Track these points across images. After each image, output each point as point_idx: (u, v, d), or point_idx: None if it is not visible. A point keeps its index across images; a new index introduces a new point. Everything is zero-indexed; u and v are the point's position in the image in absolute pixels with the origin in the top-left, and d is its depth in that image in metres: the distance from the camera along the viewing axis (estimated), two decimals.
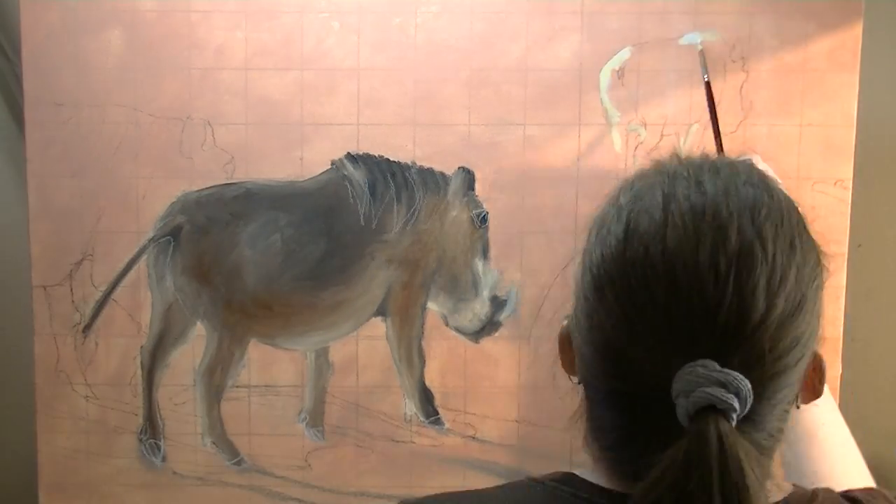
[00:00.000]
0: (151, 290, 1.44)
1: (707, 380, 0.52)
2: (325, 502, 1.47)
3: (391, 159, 1.43)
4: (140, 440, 1.46)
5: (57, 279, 1.43)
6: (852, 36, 1.40)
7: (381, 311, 1.46)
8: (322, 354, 1.47)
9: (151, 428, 1.46)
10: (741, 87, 1.42)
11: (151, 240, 1.43)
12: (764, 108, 1.42)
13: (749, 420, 0.54)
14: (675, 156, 0.64)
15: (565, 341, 0.66)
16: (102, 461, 1.47)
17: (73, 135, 1.41)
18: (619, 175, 1.44)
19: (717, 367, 0.52)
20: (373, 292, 1.45)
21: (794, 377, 0.58)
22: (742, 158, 0.79)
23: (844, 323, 1.44)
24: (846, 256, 1.43)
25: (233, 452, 1.47)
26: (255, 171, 1.43)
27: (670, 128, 1.43)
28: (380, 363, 1.46)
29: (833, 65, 1.41)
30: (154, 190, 1.42)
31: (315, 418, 1.47)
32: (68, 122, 1.41)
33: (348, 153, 1.43)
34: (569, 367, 0.67)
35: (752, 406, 0.53)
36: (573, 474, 0.63)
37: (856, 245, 1.47)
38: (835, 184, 1.43)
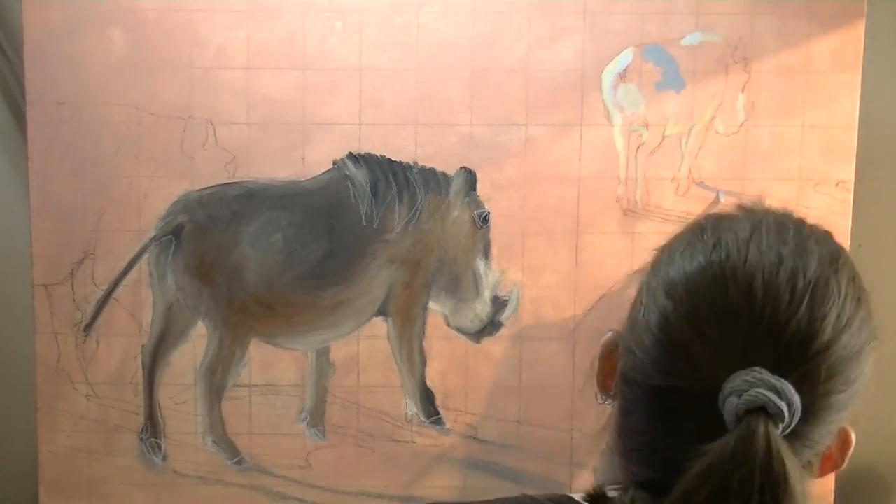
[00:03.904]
0: (153, 290, 1.44)
1: (762, 383, 0.53)
2: (326, 502, 1.47)
3: (393, 159, 1.43)
4: (141, 439, 1.46)
5: (58, 278, 1.43)
6: (854, 37, 1.40)
7: (382, 311, 1.46)
8: (323, 354, 1.47)
9: (152, 427, 1.46)
10: (743, 87, 1.42)
11: (153, 239, 1.43)
12: (766, 110, 1.42)
13: (793, 438, 0.55)
14: (760, 201, 0.66)
15: (611, 349, 0.67)
16: (103, 460, 1.47)
17: (74, 134, 1.41)
18: (620, 176, 1.44)
19: (774, 376, 0.54)
20: (374, 292, 1.45)
21: (830, 427, 0.58)
22: None
23: None
24: None
25: (233, 452, 1.47)
26: (257, 171, 1.43)
27: (671, 128, 1.43)
28: (381, 363, 1.46)
29: (835, 66, 1.41)
30: (155, 189, 1.42)
31: (316, 418, 1.47)
32: (70, 121, 1.41)
33: (350, 153, 1.43)
34: (605, 377, 0.67)
35: (796, 428, 0.54)
36: (571, 498, 0.63)
37: (856, 245, 1.47)
38: (836, 185, 1.43)
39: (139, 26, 1.40)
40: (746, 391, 0.53)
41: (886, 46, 1.54)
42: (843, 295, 0.58)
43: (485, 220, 1.44)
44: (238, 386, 1.46)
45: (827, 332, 0.56)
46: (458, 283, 1.46)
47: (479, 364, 1.46)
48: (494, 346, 1.46)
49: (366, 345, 1.46)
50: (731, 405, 0.53)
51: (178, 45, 1.40)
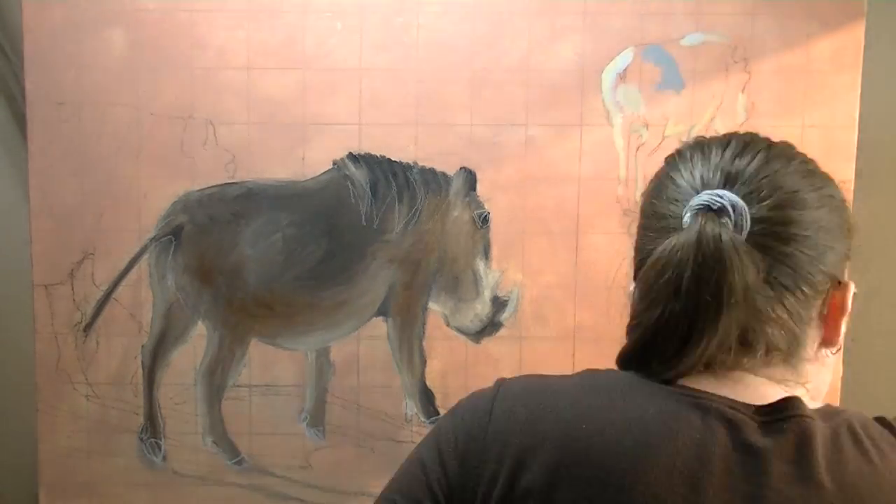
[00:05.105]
0: (153, 290, 1.44)
1: (707, 195, 0.67)
2: (326, 502, 1.47)
3: (393, 159, 1.43)
4: (141, 439, 1.46)
5: (58, 278, 1.43)
6: (854, 37, 1.40)
7: (382, 311, 1.46)
8: (323, 354, 1.47)
9: (152, 427, 1.46)
10: (743, 87, 1.42)
11: (153, 239, 1.43)
12: (766, 109, 1.42)
13: (765, 252, 0.66)
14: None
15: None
16: (103, 460, 1.47)
17: (74, 134, 1.41)
18: (620, 176, 1.44)
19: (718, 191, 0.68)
20: (374, 292, 1.45)
21: (807, 256, 0.67)
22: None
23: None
24: None
25: (233, 452, 1.47)
26: (257, 171, 1.43)
27: (671, 128, 1.43)
28: (381, 363, 1.46)
29: (835, 66, 1.41)
30: (156, 189, 1.42)
31: (316, 418, 1.47)
32: (70, 121, 1.41)
33: (350, 153, 1.43)
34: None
35: (764, 243, 0.66)
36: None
37: (856, 245, 1.47)
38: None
39: (139, 26, 1.40)
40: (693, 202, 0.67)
41: (886, 46, 1.54)
42: (793, 159, 0.71)
43: (485, 220, 1.44)
44: (238, 386, 1.46)
45: (771, 166, 0.69)
46: (458, 284, 1.46)
47: (479, 364, 1.46)
48: (494, 346, 1.46)
49: (366, 345, 1.46)
50: (685, 215, 0.67)
51: (179, 45, 1.40)
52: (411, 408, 1.47)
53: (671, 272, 0.66)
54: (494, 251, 1.45)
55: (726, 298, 0.65)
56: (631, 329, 0.72)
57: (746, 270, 0.65)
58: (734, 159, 0.70)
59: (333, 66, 1.41)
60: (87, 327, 1.44)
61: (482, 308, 1.46)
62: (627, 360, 0.72)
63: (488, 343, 1.46)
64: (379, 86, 1.41)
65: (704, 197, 0.67)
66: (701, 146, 0.73)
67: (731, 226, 0.66)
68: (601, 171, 1.43)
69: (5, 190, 1.58)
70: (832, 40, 1.41)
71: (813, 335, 0.70)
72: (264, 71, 1.41)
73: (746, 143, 0.71)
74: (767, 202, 0.67)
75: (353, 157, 1.43)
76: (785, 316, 0.67)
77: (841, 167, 1.43)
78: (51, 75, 1.40)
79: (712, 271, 0.65)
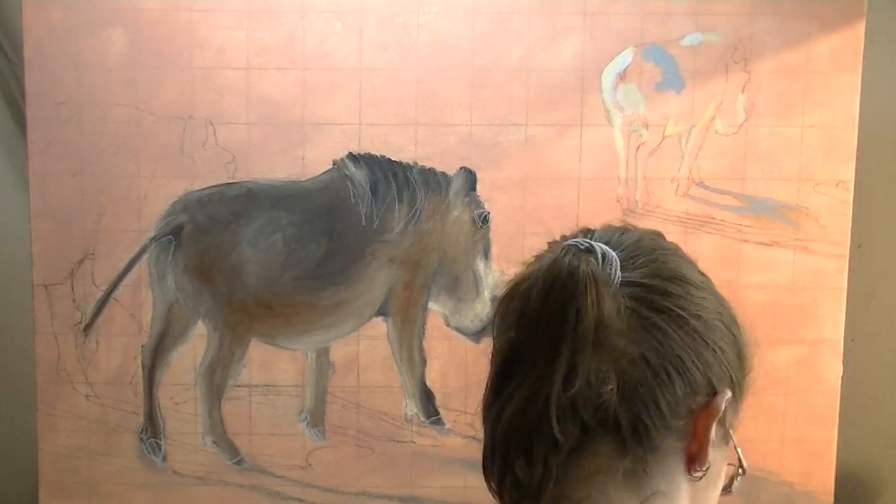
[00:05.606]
0: (152, 290, 1.44)
1: (576, 238, 0.63)
2: (326, 502, 1.47)
3: (393, 159, 1.43)
4: (141, 439, 1.46)
5: (58, 278, 1.43)
6: (854, 37, 1.40)
7: (382, 311, 1.46)
8: (323, 354, 1.46)
9: (152, 427, 1.46)
10: (743, 87, 1.42)
11: (153, 239, 1.43)
12: (766, 110, 1.42)
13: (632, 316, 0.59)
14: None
15: None
16: (103, 460, 1.47)
17: (74, 134, 1.41)
18: (620, 176, 1.44)
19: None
20: (374, 292, 1.45)
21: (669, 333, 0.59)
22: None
23: (844, 323, 1.44)
24: (847, 257, 1.44)
25: (233, 452, 1.47)
26: (257, 171, 1.43)
27: (671, 128, 1.43)
28: (381, 363, 1.46)
29: (835, 66, 1.41)
30: (155, 189, 1.42)
31: (316, 418, 1.47)
32: (70, 121, 1.41)
33: (350, 153, 1.43)
34: None
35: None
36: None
37: (856, 245, 1.47)
38: (836, 185, 1.43)
39: (139, 26, 1.40)
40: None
41: (886, 46, 1.54)
42: (684, 257, 0.63)
43: (485, 220, 1.44)
44: (238, 386, 1.46)
45: (658, 244, 0.63)
46: (458, 283, 1.46)
47: (479, 364, 1.45)
48: None
49: (366, 345, 1.46)
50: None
51: (178, 45, 1.40)
52: (411, 408, 1.47)
53: (518, 301, 0.61)
54: (494, 251, 1.45)
55: (570, 326, 0.56)
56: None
57: (603, 303, 0.56)
58: (618, 234, 0.64)
59: (333, 66, 1.41)
60: (87, 327, 1.44)
61: (482, 308, 1.46)
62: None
63: (488, 343, 1.46)
64: (379, 86, 1.41)
65: (571, 240, 0.62)
66: (583, 231, 0.67)
67: (596, 264, 0.59)
68: (601, 171, 1.43)
69: (5, 190, 1.58)
70: (832, 40, 1.41)
71: (673, 445, 0.59)
72: (264, 71, 1.41)
73: (634, 235, 0.65)
74: (644, 269, 0.59)
75: (353, 157, 1.43)
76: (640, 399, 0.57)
77: (841, 167, 1.43)
78: (51, 75, 1.40)
79: (560, 294, 0.58)
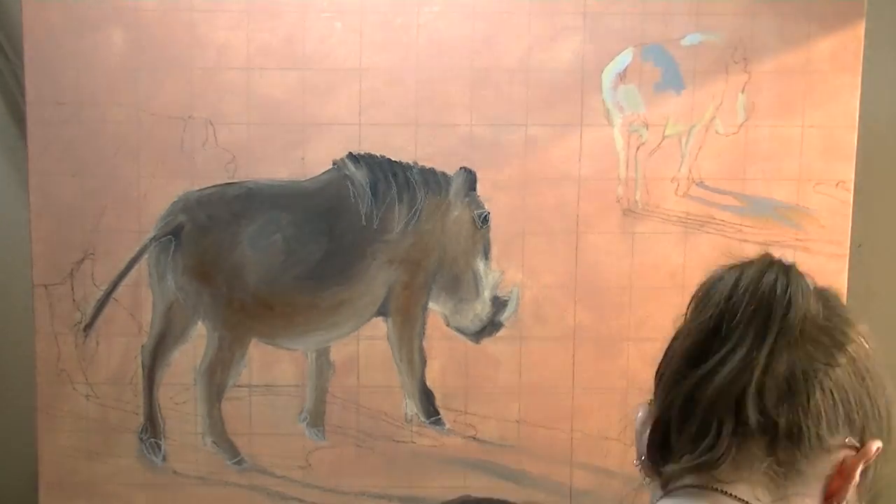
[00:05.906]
0: (152, 290, 1.44)
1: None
2: (325, 502, 1.47)
3: (393, 159, 1.43)
4: (141, 439, 1.46)
5: (58, 278, 1.43)
6: (854, 37, 1.40)
7: (382, 311, 1.46)
8: (323, 354, 1.46)
9: (152, 427, 1.46)
10: (743, 88, 1.42)
11: (153, 239, 1.43)
12: (766, 110, 1.42)
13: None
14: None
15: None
16: (103, 460, 1.47)
17: (74, 134, 1.41)
18: (620, 176, 1.44)
19: None
20: (374, 292, 1.45)
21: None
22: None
23: None
24: (847, 257, 1.44)
25: (233, 452, 1.47)
26: (257, 171, 1.43)
27: (671, 128, 1.43)
28: (381, 363, 1.46)
29: (835, 66, 1.41)
30: (155, 189, 1.42)
31: (316, 418, 1.47)
32: (70, 121, 1.41)
33: (350, 153, 1.43)
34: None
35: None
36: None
37: (856, 245, 1.47)
38: (836, 185, 1.43)
39: (139, 26, 1.40)
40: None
41: (886, 46, 1.54)
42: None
43: (485, 220, 1.44)
44: (238, 386, 1.46)
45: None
46: (458, 284, 1.46)
47: (479, 364, 1.46)
48: (494, 346, 1.46)
49: (366, 345, 1.46)
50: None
51: (178, 46, 1.40)
52: (411, 408, 1.47)
53: (723, 284, 0.63)
54: (494, 251, 1.45)
55: (780, 313, 0.60)
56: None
57: (810, 300, 0.61)
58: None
59: (333, 66, 1.41)
60: (87, 327, 1.44)
61: (482, 308, 1.46)
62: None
63: (488, 343, 1.46)
64: (379, 86, 1.41)
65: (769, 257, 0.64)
66: None
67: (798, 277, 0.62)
68: (601, 171, 1.43)
69: (5, 190, 1.58)
70: (832, 40, 1.41)
71: (817, 468, 0.62)
72: (264, 71, 1.41)
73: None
74: (829, 311, 0.64)
75: (353, 157, 1.43)
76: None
77: (841, 167, 1.43)
78: (51, 75, 1.40)
79: (772, 282, 0.61)
